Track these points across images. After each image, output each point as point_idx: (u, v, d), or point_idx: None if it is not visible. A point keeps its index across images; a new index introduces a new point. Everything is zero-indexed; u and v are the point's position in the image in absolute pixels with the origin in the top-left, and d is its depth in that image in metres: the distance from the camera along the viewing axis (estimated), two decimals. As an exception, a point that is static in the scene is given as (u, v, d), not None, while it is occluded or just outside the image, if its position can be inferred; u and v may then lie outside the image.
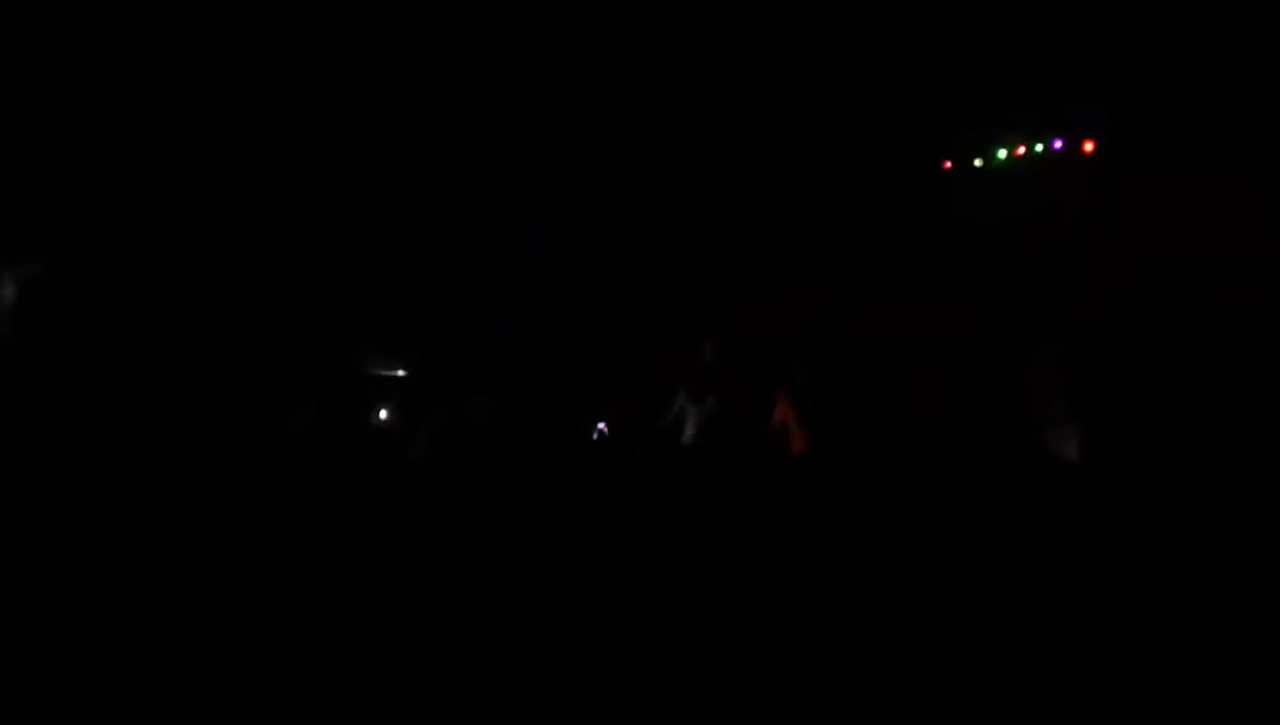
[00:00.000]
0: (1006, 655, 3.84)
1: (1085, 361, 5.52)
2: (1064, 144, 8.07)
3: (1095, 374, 5.39)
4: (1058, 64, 7.15)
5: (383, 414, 9.65)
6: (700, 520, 4.36)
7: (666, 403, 7.48)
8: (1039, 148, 8.21)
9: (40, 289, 7.30)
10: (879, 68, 7.66)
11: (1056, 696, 3.72)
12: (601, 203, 8.20)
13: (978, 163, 8.47)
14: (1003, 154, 8.38)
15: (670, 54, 6.75)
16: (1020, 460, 5.53)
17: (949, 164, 8.67)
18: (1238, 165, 6.65)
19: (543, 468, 5.02)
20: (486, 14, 6.31)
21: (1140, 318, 5.34)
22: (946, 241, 8.31)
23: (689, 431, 7.30)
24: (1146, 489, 4.91)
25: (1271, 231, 6.33)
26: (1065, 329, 6.74)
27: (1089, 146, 7.93)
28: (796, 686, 3.90)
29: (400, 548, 4.54)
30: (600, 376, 8.45)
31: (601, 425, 7.88)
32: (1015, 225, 8.10)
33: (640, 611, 4.11)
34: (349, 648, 4.21)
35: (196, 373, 7.32)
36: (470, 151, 7.90)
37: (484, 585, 4.29)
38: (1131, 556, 4.36)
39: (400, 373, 9.64)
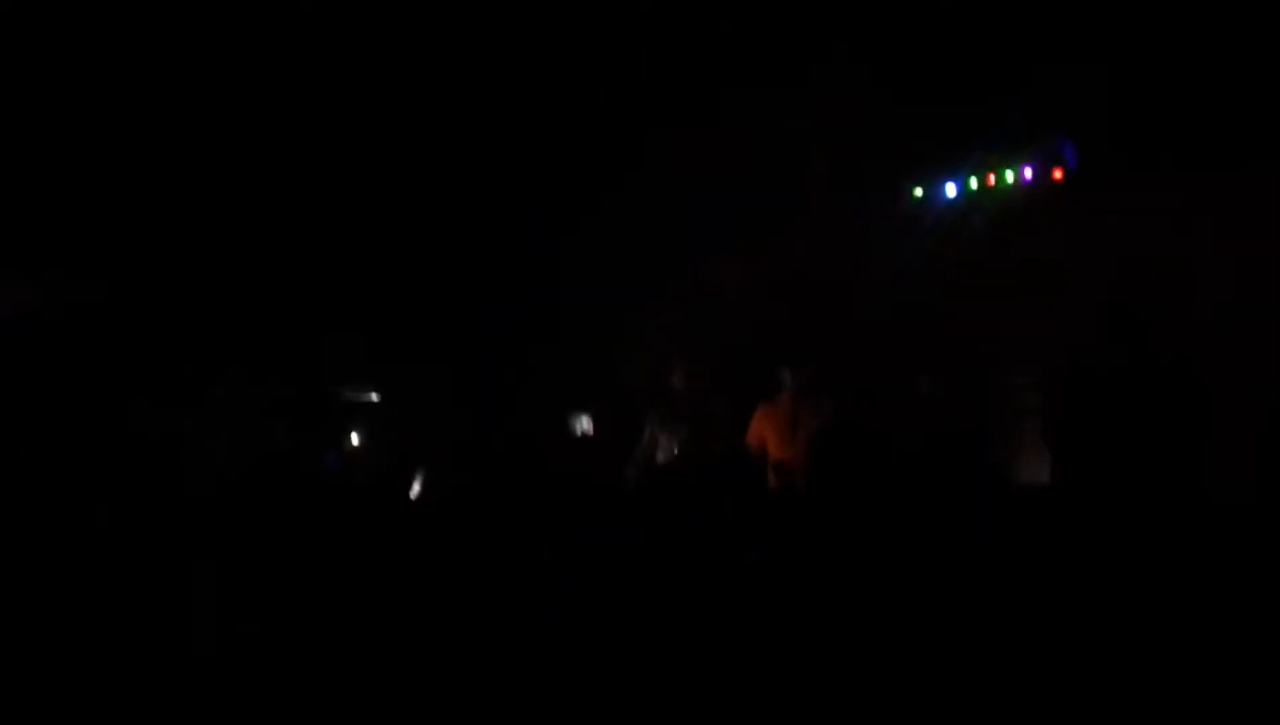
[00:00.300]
0: (1008, 656, 3.87)
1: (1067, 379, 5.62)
2: (1035, 173, 8.25)
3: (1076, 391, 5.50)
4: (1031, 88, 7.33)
5: (354, 438, 9.59)
6: (700, 520, 4.37)
7: (638, 433, 7.43)
8: (1009, 177, 8.40)
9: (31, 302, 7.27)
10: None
11: (1059, 698, 3.75)
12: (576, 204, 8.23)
13: (950, 191, 8.65)
14: (974, 183, 8.56)
15: (664, 58, 6.84)
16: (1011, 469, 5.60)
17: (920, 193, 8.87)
18: (1216, 186, 6.85)
19: (535, 470, 5.03)
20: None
21: (1118, 334, 5.45)
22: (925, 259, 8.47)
23: (660, 460, 7.22)
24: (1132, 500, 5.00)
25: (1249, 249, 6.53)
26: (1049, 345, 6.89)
27: (1058, 174, 8.11)
28: (797, 687, 3.91)
29: (397, 548, 4.52)
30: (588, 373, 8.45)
31: (585, 421, 7.80)
32: (989, 247, 8.27)
33: (640, 611, 4.11)
34: (346, 648, 4.17)
35: (182, 384, 7.29)
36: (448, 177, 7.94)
37: (483, 585, 4.28)
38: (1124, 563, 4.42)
39: (373, 397, 9.61)
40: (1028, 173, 8.24)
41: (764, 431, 6.76)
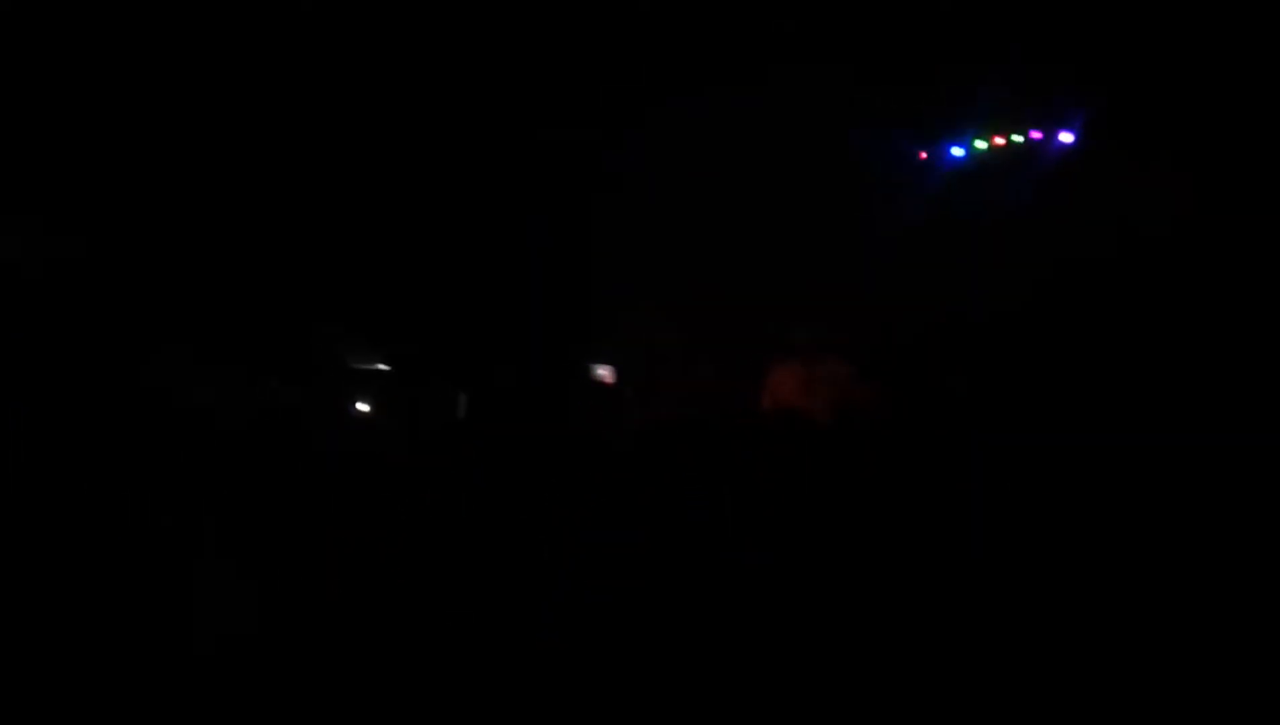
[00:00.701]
0: (1008, 655, 3.89)
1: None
2: (1043, 134, 8.14)
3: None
4: (1039, 50, 7.23)
5: (361, 406, 9.64)
6: (700, 520, 4.38)
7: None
8: (1018, 138, 8.29)
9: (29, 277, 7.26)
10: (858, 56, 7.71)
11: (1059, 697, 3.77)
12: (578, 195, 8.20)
13: (957, 153, 8.53)
14: (981, 144, 8.45)
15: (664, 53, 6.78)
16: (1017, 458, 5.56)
17: (924, 155, 8.75)
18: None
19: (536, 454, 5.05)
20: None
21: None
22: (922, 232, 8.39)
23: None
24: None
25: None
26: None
27: (1067, 137, 8.01)
28: (796, 687, 3.93)
29: (399, 545, 4.54)
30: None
31: (604, 370, 7.88)
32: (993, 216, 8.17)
33: (640, 611, 4.13)
34: (347, 646, 4.20)
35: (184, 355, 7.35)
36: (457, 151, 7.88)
37: (484, 585, 4.30)
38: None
39: (381, 367, 9.64)
40: (1036, 135, 8.16)
41: (778, 390, 6.73)
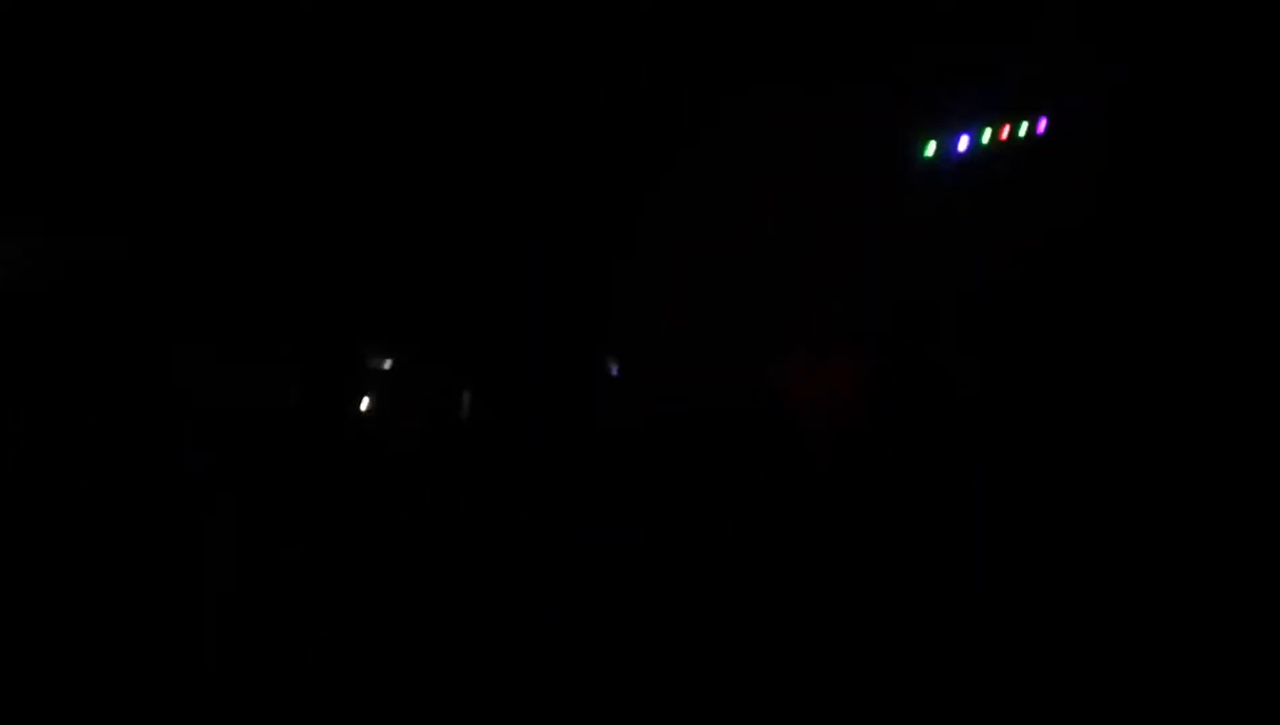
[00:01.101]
0: (1009, 655, 3.87)
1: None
2: (1049, 124, 8.01)
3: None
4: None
5: (366, 402, 9.63)
6: (700, 521, 4.37)
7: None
8: (1023, 129, 8.15)
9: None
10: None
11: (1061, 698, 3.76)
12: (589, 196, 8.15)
13: (963, 146, 8.40)
14: (986, 136, 8.31)
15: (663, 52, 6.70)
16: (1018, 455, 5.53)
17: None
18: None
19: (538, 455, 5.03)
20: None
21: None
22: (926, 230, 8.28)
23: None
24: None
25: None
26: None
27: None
28: (797, 687, 3.93)
29: (399, 545, 4.54)
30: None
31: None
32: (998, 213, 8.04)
33: (640, 611, 4.13)
34: (347, 645, 4.21)
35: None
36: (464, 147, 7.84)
37: (484, 585, 4.30)
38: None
39: (388, 363, 9.60)
40: (1042, 125, 8.03)
41: (802, 387, 6.66)
